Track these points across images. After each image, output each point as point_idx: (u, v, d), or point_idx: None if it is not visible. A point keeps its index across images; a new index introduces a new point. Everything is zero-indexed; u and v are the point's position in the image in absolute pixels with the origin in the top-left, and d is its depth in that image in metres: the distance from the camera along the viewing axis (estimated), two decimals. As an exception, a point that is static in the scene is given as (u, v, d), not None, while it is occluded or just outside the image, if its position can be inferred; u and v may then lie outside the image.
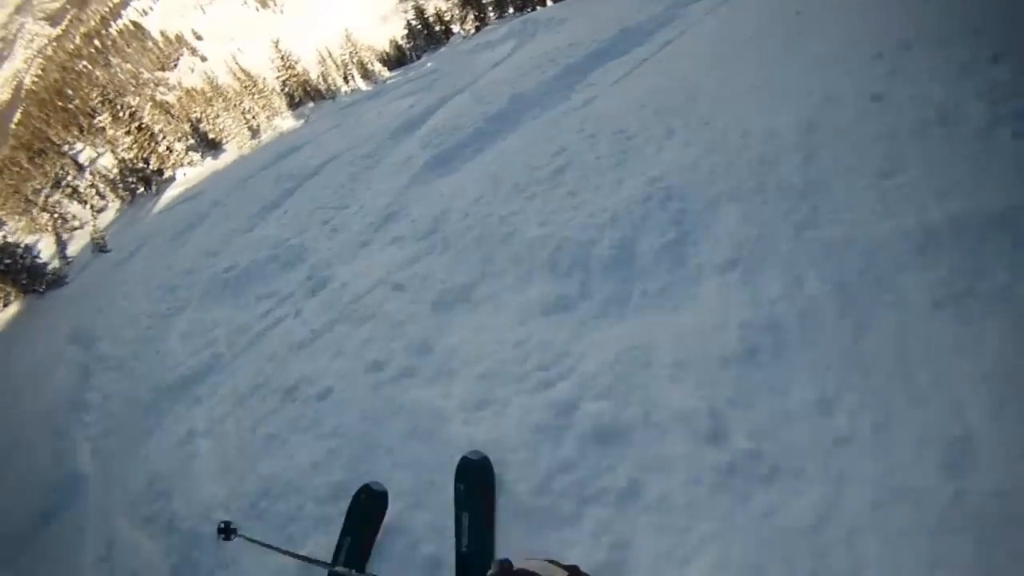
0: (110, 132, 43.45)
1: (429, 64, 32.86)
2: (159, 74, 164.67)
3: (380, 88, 35.50)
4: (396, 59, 55.58)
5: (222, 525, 4.00)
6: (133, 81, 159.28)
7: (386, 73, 49.81)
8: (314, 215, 11.33)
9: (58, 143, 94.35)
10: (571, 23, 19.91)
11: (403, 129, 15.07)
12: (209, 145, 49.06)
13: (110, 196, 47.78)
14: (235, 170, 29.09)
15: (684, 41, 11.17)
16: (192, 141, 49.10)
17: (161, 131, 42.83)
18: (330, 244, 9.36)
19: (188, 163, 42.95)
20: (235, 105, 48.84)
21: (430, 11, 46.21)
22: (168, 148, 42.33)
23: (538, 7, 38.49)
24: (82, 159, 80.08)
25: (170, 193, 37.70)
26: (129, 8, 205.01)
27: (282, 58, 48.89)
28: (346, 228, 9.60)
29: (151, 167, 43.04)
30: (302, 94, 49.34)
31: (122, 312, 12.59)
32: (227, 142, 44.98)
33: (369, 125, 19.81)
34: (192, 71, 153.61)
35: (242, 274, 9.79)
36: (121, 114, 42.02)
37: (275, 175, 18.44)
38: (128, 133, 42.20)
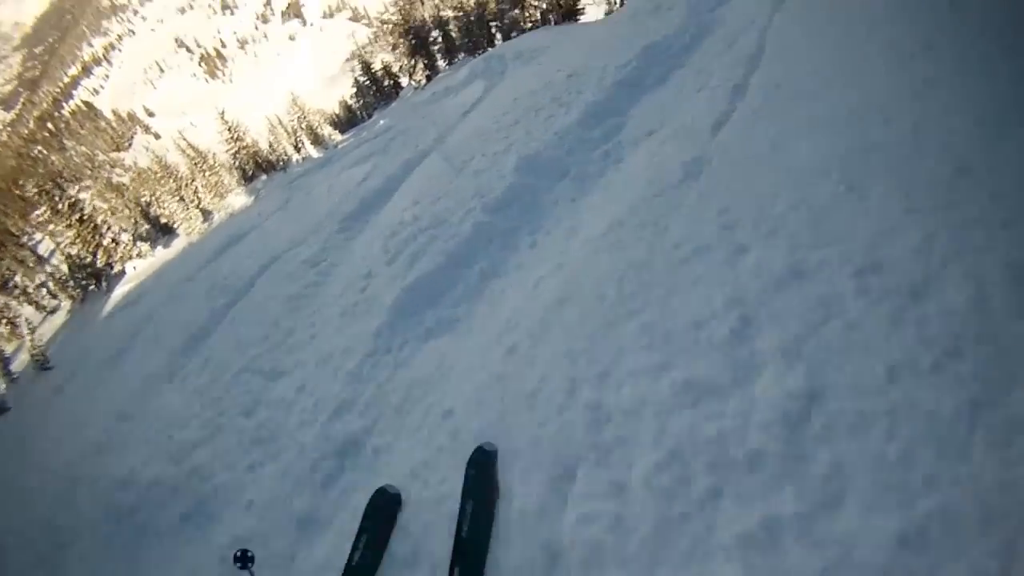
0: (51, 226, 39.97)
1: (382, 122, 30.06)
2: (114, 155, 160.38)
3: (331, 154, 32.85)
4: (347, 120, 52.86)
5: (239, 553, 4.04)
6: (89, 164, 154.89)
7: (337, 136, 46.91)
8: (237, 383, 8.42)
9: (16, 234, 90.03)
10: (552, 52, 17.96)
11: (356, 215, 12.75)
12: (162, 230, 45.75)
13: (61, 295, 43.97)
14: (179, 266, 26.62)
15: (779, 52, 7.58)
16: (143, 228, 45.76)
17: (105, 221, 39.35)
18: (251, 483, 6.11)
19: (137, 255, 39.52)
20: (186, 185, 45.80)
21: (377, 65, 43.27)
22: (114, 240, 38.92)
23: (489, 47, 36.04)
24: (42, 250, 76.37)
25: (120, 291, 34.55)
26: (80, 88, 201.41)
27: (229, 130, 45.76)
28: (275, 439, 6.36)
29: (99, 262, 39.51)
30: (253, 167, 46.25)
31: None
32: (178, 227, 41.48)
33: (317, 204, 17.43)
34: (147, 149, 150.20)
35: (125, 515, 6.58)
36: (60, 206, 38.58)
37: (210, 281, 16.15)
38: (70, 226, 38.75)
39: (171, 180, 47.42)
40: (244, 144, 46.05)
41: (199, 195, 45.24)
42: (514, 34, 33.15)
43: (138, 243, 40.25)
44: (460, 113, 16.96)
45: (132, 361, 14.44)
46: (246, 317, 11.15)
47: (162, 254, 39.41)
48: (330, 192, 17.86)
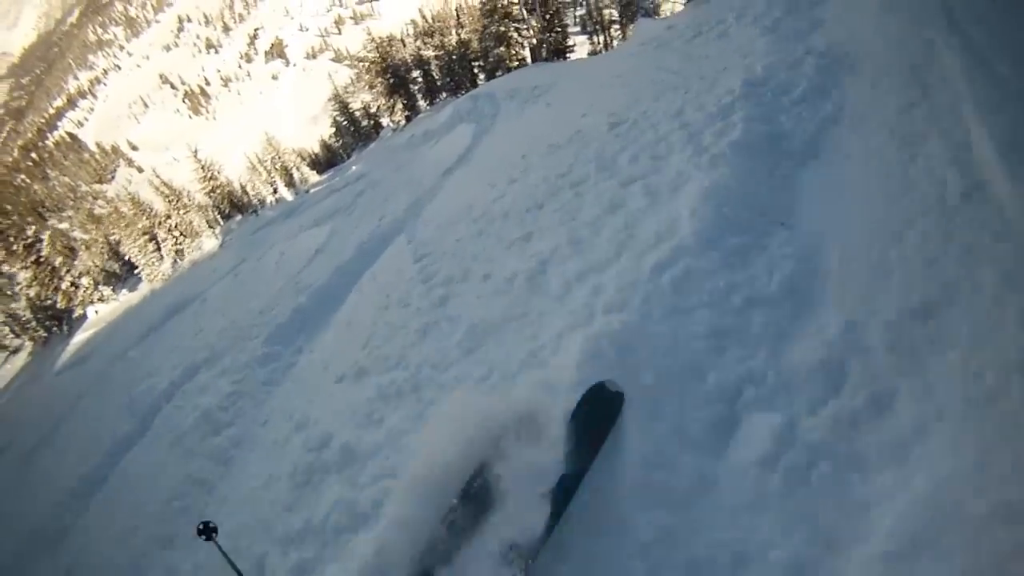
0: (6, 268, 37.13)
1: (355, 168, 27.26)
2: (96, 187, 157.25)
3: (301, 200, 30.15)
4: (326, 160, 50.69)
5: (201, 526, 3.63)
6: (71, 195, 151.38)
7: (314, 177, 44.39)
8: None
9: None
10: (559, 90, 15.27)
11: (288, 334, 9.40)
12: (131, 270, 42.86)
13: (23, 336, 40.69)
14: (129, 323, 24.21)
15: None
16: (110, 269, 42.79)
17: (65, 263, 36.23)
18: None
19: (99, 299, 36.54)
20: (159, 223, 43.03)
21: (356, 105, 40.83)
22: (73, 284, 35.94)
23: (471, 87, 33.75)
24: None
25: (79, 338, 31.90)
26: (65, 119, 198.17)
27: (203, 168, 43.18)
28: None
29: (59, 304, 36.56)
30: (228, 206, 43.59)
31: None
32: (140, 272, 38.54)
33: (260, 283, 14.82)
34: (130, 182, 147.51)
35: None
36: (15, 247, 35.64)
37: (131, 375, 13.82)
38: (25, 268, 35.80)
39: (144, 218, 44.62)
40: (218, 183, 43.45)
41: (173, 233, 42.74)
42: (499, 73, 30.90)
43: (100, 287, 36.98)
44: (441, 168, 14.20)
45: (47, 463, 12.06)
46: (144, 470, 8.21)
47: (126, 298, 36.92)
48: (278, 267, 15.35)
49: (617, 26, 34.04)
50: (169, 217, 43.77)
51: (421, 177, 14.51)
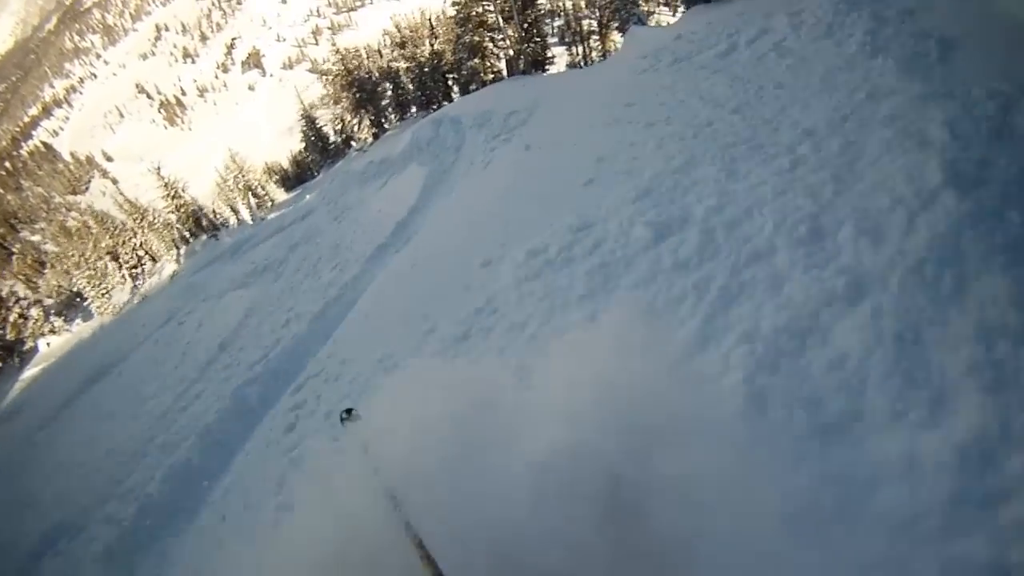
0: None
1: (308, 197, 24.83)
2: (70, 198, 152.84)
3: (254, 230, 27.44)
4: (295, 176, 47.99)
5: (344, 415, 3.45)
6: (44, 206, 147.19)
7: (281, 195, 41.50)
8: None
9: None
10: (546, 120, 12.51)
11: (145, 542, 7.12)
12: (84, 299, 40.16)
13: (-28, 367, 37.64)
14: (58, 379, 21.91)
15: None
16: (72, 291, 39.78)
17: (13, 294, 33.27)
18: None
19: (50, 331, 33.66)
20: (124, 243, 40.29)
21: (326, 118, 37.81)
22: (22, 315, 33.00)
23: (445, 102, 31.21)
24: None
25: (27, 374, 29.10)
26: (39, 128, 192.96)
27: (167, 185, 40.31)
28: None
29: (8, 335, 33.64)
30: (193, 226, 40.72)
31: None
32: (90, 304, 35.60)
33: (169, 371, 13.13)
34: (104, 194, 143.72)
35: None
36: (-41, 277, 32.85)
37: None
38: (-32, 299, 33.02)
39: (108, 237, 41.71)
40: (183, 202, 40.57)
41: (137, 253, 40.05)
42: (473, 87, 28.27)
43: (51, 318, 34.05)
44: (374, 246, 12.07)
45: None
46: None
47: (79, 329, 34.13)
48: (185, 353, 13.66)
49: (596, 37, 31.90)
50: (134, 236, 41.05)
51: (350, 249, 12.46)
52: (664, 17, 23.94)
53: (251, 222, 32.74)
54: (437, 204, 11.99)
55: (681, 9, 20.06)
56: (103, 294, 34.48)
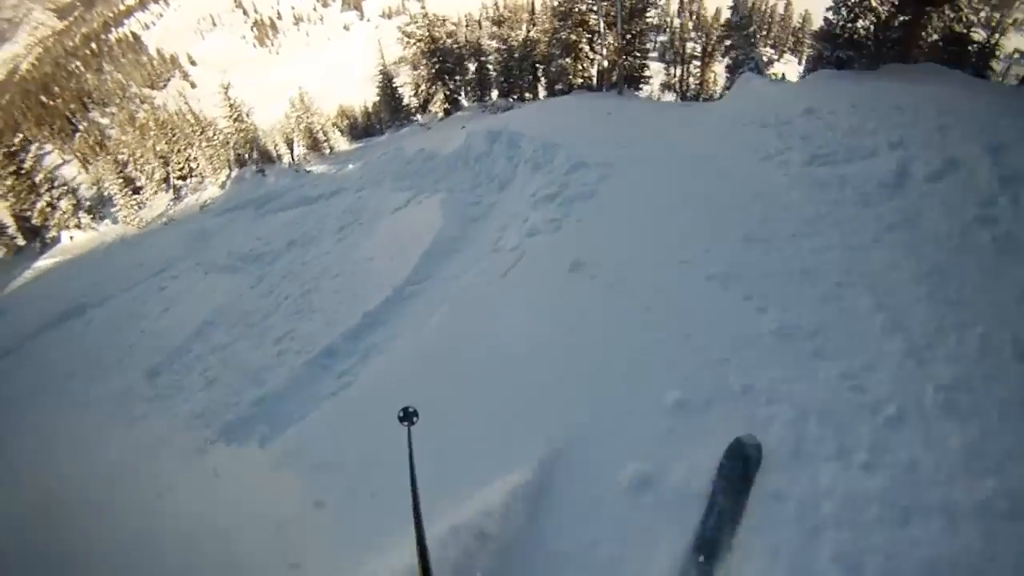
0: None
1: (350, 167, 22.59)
2: (147, 91, 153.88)
3: (293, 182, 25.96)
4: (364, 128, 46.65)
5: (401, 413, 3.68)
6: (120, 93, 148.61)
7: (342, 144, 40.04)
8: None
9: (28, 139, 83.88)
10: (614, 201, 8.62)
11: None
12: (136, 191, 39.17)
13: (-2, 238, 36.87)
14: (64, 285, 20.55)
15: None
16: (115, 184, 38.90)
17: (46, 180, 32.25)
18: None
19: (75, 226, 32.67)
20: (179, 151, 39.28)
21: (405, 78, 35.95)
22: (50, 204, 32.06)
23: (528, 94, 29.63)
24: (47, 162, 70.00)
25: (41, 263, 28.22)
26: (132, 18, 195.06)
27: (231, 106, 39.27)
28: None
29: (34, 221, 32.81)
30: (250, 152, 39.54)
31: None
32: (117, 211, 34.40)
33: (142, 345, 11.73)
34: (180, 95, 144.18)
35: None
36: (-3, 153, 32.05)
37: None
38: (3, 178, 32.00)
39: (164, 141, 40.76)
40: (243, 126, 39.43)
41: (190, 164, 39.02)
42: (559, 87, 26.44)
43: (80, 213, 33.08)
44: (353, 321, 8.90)
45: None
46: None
47: (105, 230, 33.01)
48: (132, 348, 11.93)
49: (698, 63, 30.07)
50: (189, 147, 40.08)
51: (309, 318, 9.74)
52: (787, 67, 21.86)
53: (295, 171, 31.32)
54: (413, 322, 8.04)
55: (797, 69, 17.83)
56: (133, 204, 33.37)
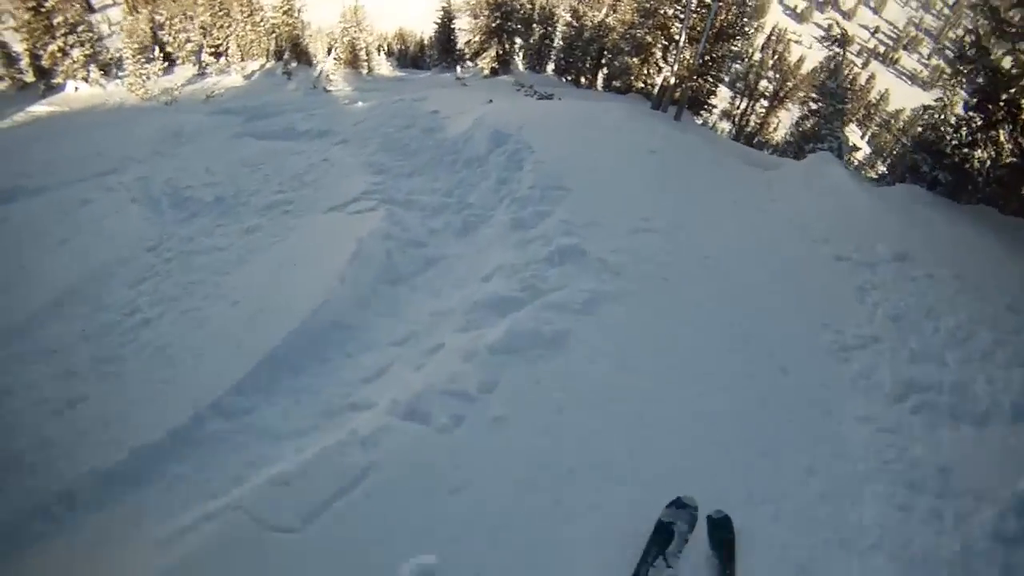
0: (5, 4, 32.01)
1: (359, 104, 19.46)
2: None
3: (308, 99, 23.63)
4: (413, 58, 44.06)
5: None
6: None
7: (384, 70, 37.48)
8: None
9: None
10: (634, 317, 5.64)
11: None
12: (166, 58, 37.61)
13: (4, 71, 34.41)
14: (49, 137, 18.24)
15: None
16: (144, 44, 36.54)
17: (63, 24, 29.75)
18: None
19: (83, 79, 30.34)
20: (220, 27, 36.97)
21: (464, 22, 33.35)
22: (62, 50, 29.67)
23: (585, 80, 27.53)
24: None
25: (35, 108, 25.98)
26: None
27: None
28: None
29: (43, 63, 30.66)
30: (289, 48, 37.12)
31: None
32: (126, 78, 32.00)
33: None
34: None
35: None
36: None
37: None
38: (20, 11, 29.91)
39: (207, 13, 38.26)
40: (291, 21, 37.37)
41: (228, 43, 36.73)
42: (616, 83, 24.16)
43: (91, 66, 30.68)
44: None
45: None
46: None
47: (112, 91, 30.83)
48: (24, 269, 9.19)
49: (765, 102, 28.02)
50: (231, 25, 37.72)
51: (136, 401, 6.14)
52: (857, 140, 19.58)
53: (313, 86, 28.98)
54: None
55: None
56: (140, 75, 30.99)
